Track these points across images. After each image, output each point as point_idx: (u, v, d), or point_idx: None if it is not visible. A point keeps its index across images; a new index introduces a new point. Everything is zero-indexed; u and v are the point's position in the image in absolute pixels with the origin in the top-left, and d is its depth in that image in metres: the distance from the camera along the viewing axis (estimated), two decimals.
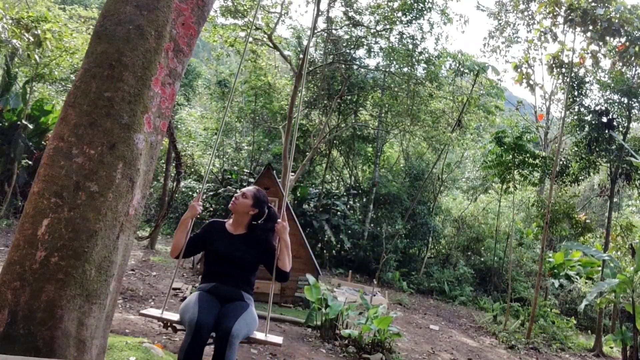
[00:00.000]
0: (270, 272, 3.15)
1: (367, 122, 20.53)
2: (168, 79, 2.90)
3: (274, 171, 10.83)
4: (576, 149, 13.44)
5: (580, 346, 12.37)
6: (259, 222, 3.23)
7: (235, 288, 3.08)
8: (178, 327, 3.16)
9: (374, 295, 10.88)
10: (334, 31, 16.29)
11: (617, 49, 12.25)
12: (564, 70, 13.12)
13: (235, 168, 20.97)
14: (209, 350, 2.91)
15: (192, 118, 23.13)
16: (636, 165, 10.23)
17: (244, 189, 3.24)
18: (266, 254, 3.15)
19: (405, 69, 16.94)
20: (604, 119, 12.81)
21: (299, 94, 18.34)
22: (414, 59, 15.94)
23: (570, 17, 11.87)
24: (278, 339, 3.20)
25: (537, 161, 13.78)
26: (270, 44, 15.63)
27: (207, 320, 2.81)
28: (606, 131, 12.57)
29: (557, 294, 16.20)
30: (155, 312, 3.15)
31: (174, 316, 3.11)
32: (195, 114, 24.28)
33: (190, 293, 9.06)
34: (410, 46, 15.76)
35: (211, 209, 18.49)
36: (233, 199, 3.20)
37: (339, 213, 18.34)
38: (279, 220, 3.14)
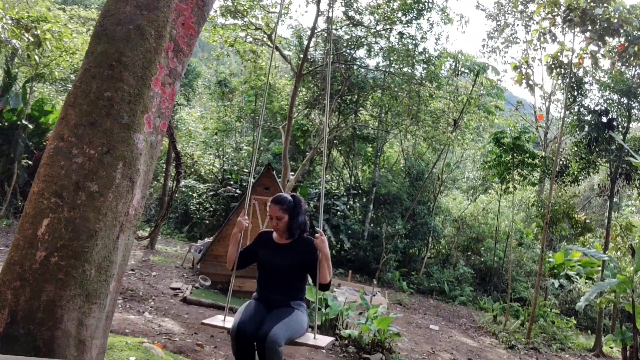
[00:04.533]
0: (313, 281, 3.26)
1: (367, 122, 20.54)
2: (168, 79, 2.90)
3: (274, 171, 10.83)
4: (576, 149, 13.44)
5: (580, 346, 12.37)
6: (296, 222, 3.31)
7: (281, 295, 3.22)
8: None
9: (374, 295, 10.88)
10: (334, 31, 16.28)
11: (616, 49, 12.25)
12: (563, 70, 13.12)
13: (235, 168, 20.98)
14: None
15: (192, 118, 23.13)
16: (636, 166, 10.23)
17: (273, 211, 3.25)
18: (307, 266, 3.27)
19: (405, 69, 16.94)
20: (604, 119, 12.81)
21: (303, 95, 18.40)
22: (414, 59, 15.94)
23: (569, 18, 11.87)
24: (324, 342, 3.18)
25: (536, 161, 13.78)
26: (270, 44, 15.63)
27: (246, 327, 2.96)
28: (606, 131, 12.57)
29: (557, 294, 16.20)
30: (219, 321, 3.28)
31: (230, 323, 3.21)
32: (195, 114, 24.28)
33: (190, 293, 9.09)
34: (410, 46, 15.76)
35: (211, 209, 18.48)
36: (273, 224, 3.27)
37: (338, 213, 18.34)
38: (317, 235, 3.20)
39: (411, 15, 15.03)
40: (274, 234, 3.39)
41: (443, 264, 18.81)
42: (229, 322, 3.21)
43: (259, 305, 3.18)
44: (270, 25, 15.52)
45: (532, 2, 15.31)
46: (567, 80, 12.73)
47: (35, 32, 10.68)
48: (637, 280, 9.47)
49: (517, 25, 19.01)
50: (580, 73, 13.37)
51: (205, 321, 3.27)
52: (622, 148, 12.24)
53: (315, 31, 14.95)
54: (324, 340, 3.22)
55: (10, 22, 10.30)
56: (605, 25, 11.38)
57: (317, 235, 3.21)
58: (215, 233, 12.74)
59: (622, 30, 11.53)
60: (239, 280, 9.92)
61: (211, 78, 23.33)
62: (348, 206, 19.59)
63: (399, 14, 15.04)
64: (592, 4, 11.47)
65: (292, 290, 3.25)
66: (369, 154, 21.18)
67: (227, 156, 22.12)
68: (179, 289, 9.29)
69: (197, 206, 18.54)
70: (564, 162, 13.68)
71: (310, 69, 16.69)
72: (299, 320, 3.12)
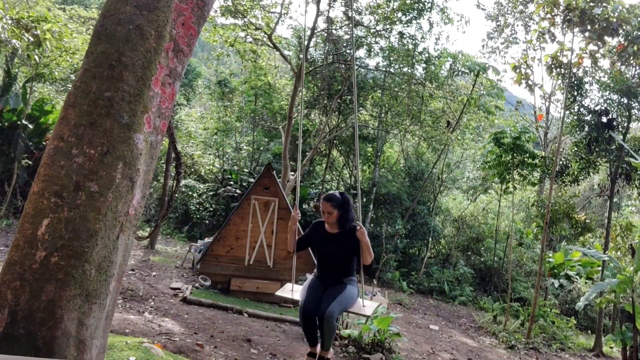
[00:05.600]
0: (358, 261, 4.00)
1: (367, 122, 20.53)
2: (168, 79, 2.90)
3: (274, 171, 10.82)
4: (576, 149, 13.43)
5: (580, 346, 12.37)
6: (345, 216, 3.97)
7: (335, 275, 3.96)
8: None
9: (374, 295, 10.88)
10: (334, 31, 16.29)
11: (616, 49, 12.25)
12: (563, 70, 13.11)
13: (235, 168, 20.97)
14: None
15: (192, 118, 23.12)
16: (635, 166, 10.23)
17: (325, 207, 3.93)
18: (354, 251, 3.92)
19: (405, 69, 16.93)
20: (604, 119, 12.80)
21: (304, 95, 18.38)
22: (414, 59, 15.93)
23: (568, 17, 11.87)
24: (369, 311, 3.96)
25: (536, 161, 13.78)
26: (270, 44, 15.63)
27: (311, 306, 3.77)
28: (606, 131, 12.56)
29: (557, 294, 16.19)
30: (287, 291, 4.19)
31: (298, 296, 4.04)
32: (195, 114, 24.27)
33: (190, 293, 9.09)
34: (410, 46, 15.76)
35: (211, 209, 18.48)
36: (325, 217, 3.98)
37: None
38: (357, 228, 3.85)
39: (411, 15, 15.04)
40: (326, 225, 4.05)
41: (443, 264, 18.80)
42: (297, 292, 4.12)
43: (318, 284, 3.96)
44: (271, 25, 15.52)
45: (532, 2, 15.33)
46: (567, 80, 12.73)
47: (35, 32, 10.67)
48: (637, 280, 9.47)
49: (517, 25, 19.04)
50: (580, 73, 13.36)
51: (277, 293, 4.22)
52: (622, 148, 12.23)
53: (315, 31, 14.96)
54: (370, 307, 3.99)
55: (10, 22, 10.30)
56: (605, 25, 11.38)
57: (358, 228, 3.87)
58: (215, 233, 12.74)
59: (621, 30, 11.53)
60: (239, 281, 9.93)
61: (211, 78, 23.32)
62: None
63: (399, 14, 15.05)
64: (591, 3, 11.47)
65: (344, 270, 3.97)
66: (369, 154, 21.17)
67: (227, 156, 22.11)
68: (179, 289, 9.29)
69: (197, 206, 18.53)
70: (564, 162, 13.68)
71: (310, 69, 16.68)
72: (350, 294, 3.88)
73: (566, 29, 12.52)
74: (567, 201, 14.16)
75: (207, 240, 12.42)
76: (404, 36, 15.74)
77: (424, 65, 16.48)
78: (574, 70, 13.01)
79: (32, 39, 10.65)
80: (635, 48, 11.67)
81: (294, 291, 4.17)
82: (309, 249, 4.35)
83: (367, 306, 3.96)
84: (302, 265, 9.91)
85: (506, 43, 19.41)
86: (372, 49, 17.27)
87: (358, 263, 4.01)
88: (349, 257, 3.96)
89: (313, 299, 3.81)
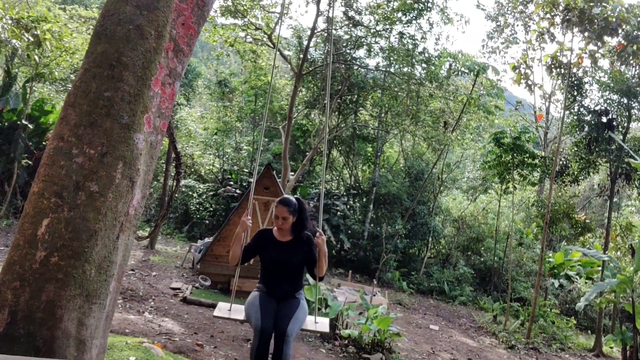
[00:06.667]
0: (310, 273, 3.74)
1: (367, 122, 20.53)
2: (168, 79, 2.90)
3: (274, 171, 10.82)
4: (576, 149, 13.43)
5: (580, 346, 12.37)
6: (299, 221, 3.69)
7: (287, 287, 3.62)
8: (244, 321, 3.69)
9: (374, 295, 10.88)
10: (334, 31, 16.28)
11: (615, 49, 12.24)
12: (562, 70, 13.11)
13: (235, 168, 20.97)
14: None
15: (192, 118, 23.13)
16: (635, 166, 10.23)
17: (281, 212, 3.61)
18: (309, 261, 3.67)
19: (405, 69, 16.93)
20: (604, 119, 12.80)
21: (303, 95, 18.40)
22: (414, 59, 15.93)
23: (567, 17, 11.87)
24: (325, 327, 3.70)
25: (536, 161, 13.78)
26: (270, 44, 15.63)
27: (268, 324, 3.37)
28: (606, 131, 12.56)
29: (557, 294, 16.19)
30: (225, 311, 3.71)
31: (241, 315, 3.64)
32: (195, 114, 24.27)
33: (190, 293, 9.09)
34: (410, 46, 15.76)
35: (211, 209, 18.48)
36: (279, 223, 3.63)
37: (338, 213, 18.34)
38: (317, 234, 3.58)
39: (411, 15, 15.03)
40: (274, 231, 3.73)
41: (443, 264, 18.81)
42: (235, 311, 3.68)
43: (268, 299, 3.54)
44: (270, 25, 15.52)
45: (532, 3, 15.33)
46: (567, 80, 12.73)
47: (35, 32, 10.67)
48: (637, 280, 9.47)
49: (517, 25, 19.05)
50: (580, 73, 13.37)
51: (216, 314, 3.68)
52: (622, 148, 12.23)
53: (315, 31, 14.95)
54: (324, 323, 3.74)
55: (10, 22, 10.29)
56: (604, 24, 11.37)
57: (317, 235, 3.57)
58: (215, 233, 12.74)
59: (620, 30, 11.52)
60: (239, 280, 9.92)
61: (211, 78, 23.33)
62: (348, 206, 19.59)
63: (399, 14, 15.04)
64: (590, 3, 11.46)
65: (295, 283, 3.67)
66: (369, 154, 21.18)
67: (227, 156, 22.12)
68: (179, 289, 9.29)
69: (197, 206, 18.54)
70: (564, 162, 13.68)
71: (310, 69, 16.68)
72: (304, 310, 3.57)
73: (565, 29, 12.52)
74: (567, 201, 14.16)
75: (207, 240, 12.41)
76: (404, 36, 15.73)
77: (424, 65, 16.48)
78: (574, 70, 13.02)
79: (32, 39, 10.65)
80: (634, 48, 11.67)
81: (232, 311, 3.70)
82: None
83: (319, 322, 3.71)
84: None
85: (506, 43, 19.42)
86: (372, 49, 17.26)
87: (312, 274, 3.71)
88: (301, 268, 3.69)
89: (268, 315, 3.41)
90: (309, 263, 3.67)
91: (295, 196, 3.79)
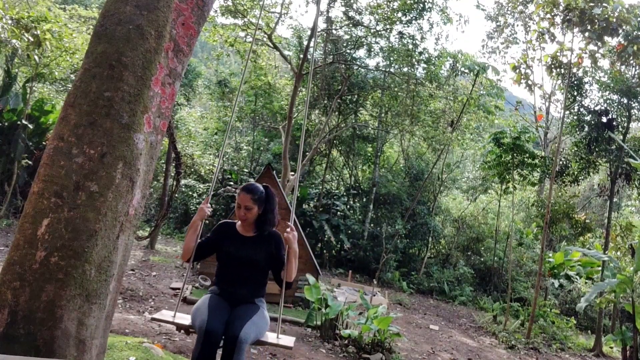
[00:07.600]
0: (276, 278, 3.15)
1: (367, 122, 20.53)
2: (168, 79, 2.90)
3: (274, 171, 10.82)
4: (576, 149, 13.44)
5: (580, 346, 12.37)
6: (263, 213, 3.14)
7: (245, 290, 3.05)
8: (191, 329, 3.05)
9: (374, 295, 10.88)
10: (334, 31, 16.29)
11: (615, 49, 12.25)
12: (563, 70, 13.11)
13: (235, 168, 20.97)
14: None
15: (192, 118, 23.14)
16: (635, 166, 10.23)
17: (243, 200, 3.09)
18: (275, 261, 3.11)
19: (405, 69, 16.93)
20: (604, 119, 12.81)
21: (303, 95, 18.38)
22: (414, 59, 15.94)
23: (567, 17, 11.87)
24: (289, 342, 3.11)
25: (536, 161, 13.79)
26: (270, 44, 15.64)
27: (216, 326, 2.77)
28: (606, 131, 12.57)
29: (557, 294, 16.19)
30: (168, 316, 3.09)
31: (186, 320, 3.04)
32: (195, 114, 24.28)
33: (190, 293, 9.08)
34: (410, 46, 15.77)
35: (211, 209, 18.50)
36: (241, 214, 3.09)
37: (338, 213, 18.34)
38: (288, 230, 3.05)
39: (411, 15, 15.04)
40: (238, 225, 3.19)
41: (443, 264, 18.81)
42: (180, 318, 3.06)
43: (221, 301, 2.98)
44: (271, 25, 15.52)
45: (532, 3, 15.32)
46: (567, 80, 12.73)
47: (35, 32, 10.67)
48: (637, 280, 9.47)
49: (517, 25, 19.04)
50: (580, 73, 13.37)
51: (155, 316, 3.11)
52: (622, 148, 12.23)
53: (316, 31, 14.93)
54: (288, 340, 3.13)
55: (10, 22, 10.29)
56: (604, 24, 11.38)
57: (287, 230, 3.04)
58: None
59: (620, 30, 11.53)
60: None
61: (211, 78, 23.32)
62: (348, 206, 19.59)
63: (399, 14, 15.05)
64: (590, 3, 11.47)
65: (256, 286, 3.10)
66: (369, 154, 21.18)
67: (227, 156, 22.13)
68: (179, 289, 9.29)
69: (197, 206, 18.54)
70: (564, 162, 13.68)
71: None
72: (265, 318, 3.02)
73: (566, 29, 12.53)
74: (567, 201, 14.16)
75: None
76: (404, 36, 15.74)
77: (424, 65, 16.49)
78: (574, 70, 13.02)
79: (32, 39, 10.65)
80: (634, 48, 11.67)
81: (176, 317, 3.06)
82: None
83: (282, 338, 3.08)
84: (302, 265, 9.91)
85: (506, 43, 19.41)
86: (372, 49, 17.27)
87: (278, 279, 3.12)
88: (264, 269, 3.11)
89: (219, 318, 2.82)
90: (274, 265, 3.10)
91: (264, 184, 3.24)
